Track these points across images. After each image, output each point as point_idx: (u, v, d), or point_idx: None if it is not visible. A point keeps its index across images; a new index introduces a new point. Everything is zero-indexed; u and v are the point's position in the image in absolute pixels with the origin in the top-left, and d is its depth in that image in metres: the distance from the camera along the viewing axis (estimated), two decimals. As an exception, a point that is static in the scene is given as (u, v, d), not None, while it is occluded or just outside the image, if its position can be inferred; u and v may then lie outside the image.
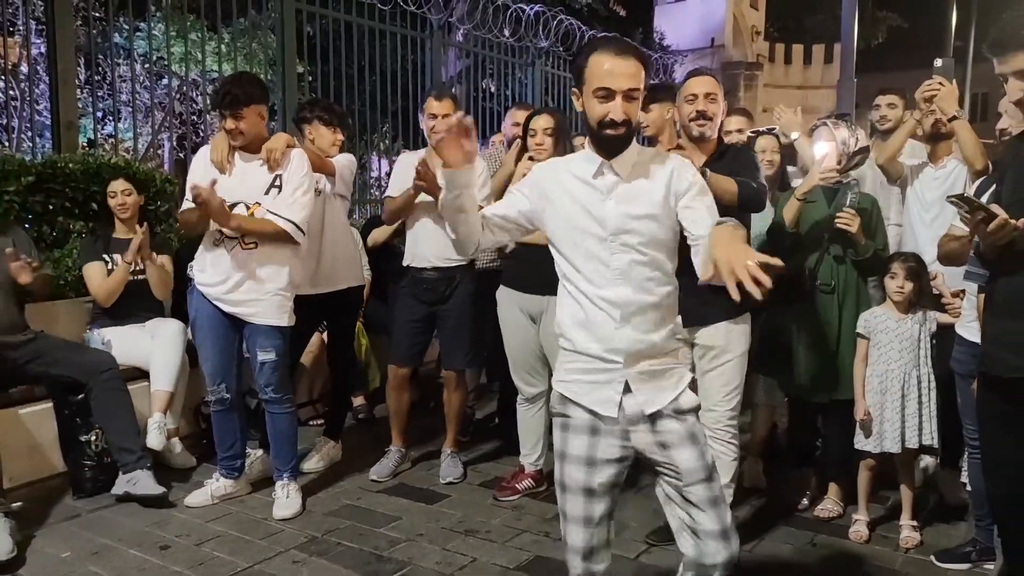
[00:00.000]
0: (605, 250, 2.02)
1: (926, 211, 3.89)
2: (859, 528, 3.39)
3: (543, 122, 3.63)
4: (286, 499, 3.63)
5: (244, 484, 3.83)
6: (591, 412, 2.07)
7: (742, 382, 3.13)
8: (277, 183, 3.51)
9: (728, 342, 3.06)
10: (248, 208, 3.50)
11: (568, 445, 2.11)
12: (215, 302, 3.55)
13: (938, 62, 3.78)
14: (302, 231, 3.53)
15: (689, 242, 2.05)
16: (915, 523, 3.37)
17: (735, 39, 18.26)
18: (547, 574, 3.06)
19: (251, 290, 3.51)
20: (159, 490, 3.62)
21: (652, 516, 3.56)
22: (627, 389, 2.03)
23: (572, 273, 2.08)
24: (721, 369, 3.08)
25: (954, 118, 3.61)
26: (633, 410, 2.04)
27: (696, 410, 2.12)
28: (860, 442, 3.37)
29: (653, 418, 2.05)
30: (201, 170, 3.57)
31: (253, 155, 3.56)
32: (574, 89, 2.08)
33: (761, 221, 3.54)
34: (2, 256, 3.56)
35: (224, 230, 3.49)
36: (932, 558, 3.18)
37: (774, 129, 4.37)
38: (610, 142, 2.03)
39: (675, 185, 2.05)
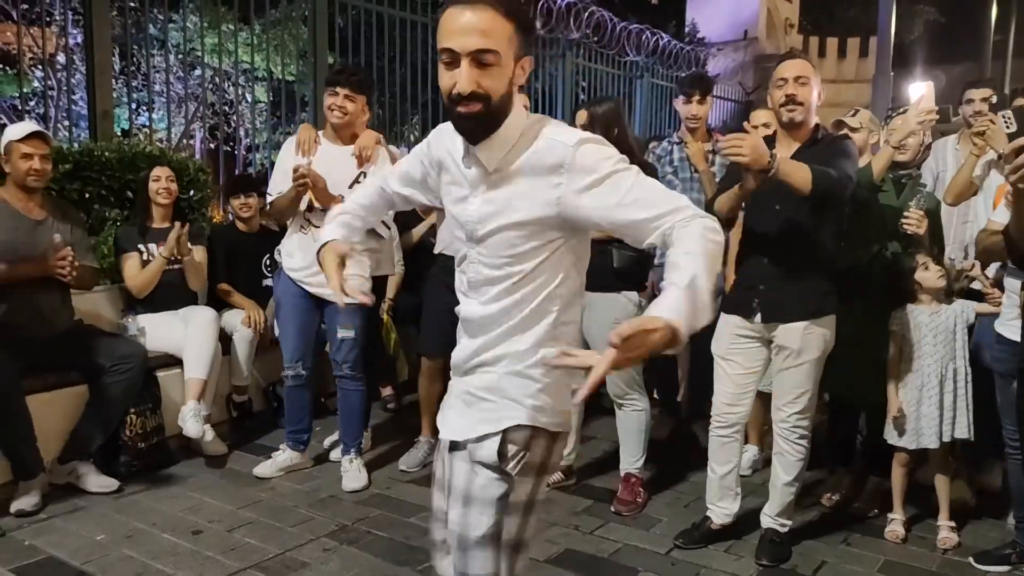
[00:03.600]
0: (463, 255, 1.70)
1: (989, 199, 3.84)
2: (895, 528, 3.34)
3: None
4: (357, 472, 3.80)
5: (308, 458, 4.01)
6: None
7: (814, 385, 3.05)
8: (361, 179, 3.63)
9: (804, 345, 2.97)
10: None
11: (435, 464, 1.89)
12: (301, 284, 3.73)
13: (993, 99, 3.92)
14: (387, 226, 3.82)
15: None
16: (953, 523, 3.31)
17: (768, 32, 18.01)
18: (577, 567, 3.04)
19: None
20: (112, 484, 3.64)
21: (682, 513, 3.54)
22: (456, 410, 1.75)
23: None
24: (793, 371, 3.01)
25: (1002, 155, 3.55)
26: (443, 435, 1.77)
27: (496, 470, 1.64)
28: (893, 438, 3.31)
29: (452, 451, 1.73)
30: (290, 159, 3.69)
31: (342, 146, 3.67)
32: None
33: None
34: (51, 247, 3.62)
35: (310, 217, 3.66)
36: (971, 560, 3.12)
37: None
38: (462, 122, 1.53)
39: (568, 183, 1.52)
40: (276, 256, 3.86)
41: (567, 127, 1.61)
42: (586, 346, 3.59)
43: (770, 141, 3.08)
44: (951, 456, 3.41)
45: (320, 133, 3.78)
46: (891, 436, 3.32)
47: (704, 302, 1.38)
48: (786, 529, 3.18)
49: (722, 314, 3.19)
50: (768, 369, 3.15)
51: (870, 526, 3.44)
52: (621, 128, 3.44)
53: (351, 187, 3.55)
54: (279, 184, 3.74)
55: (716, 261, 1.44)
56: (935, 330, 3.25)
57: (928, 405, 3.22)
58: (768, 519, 3.18)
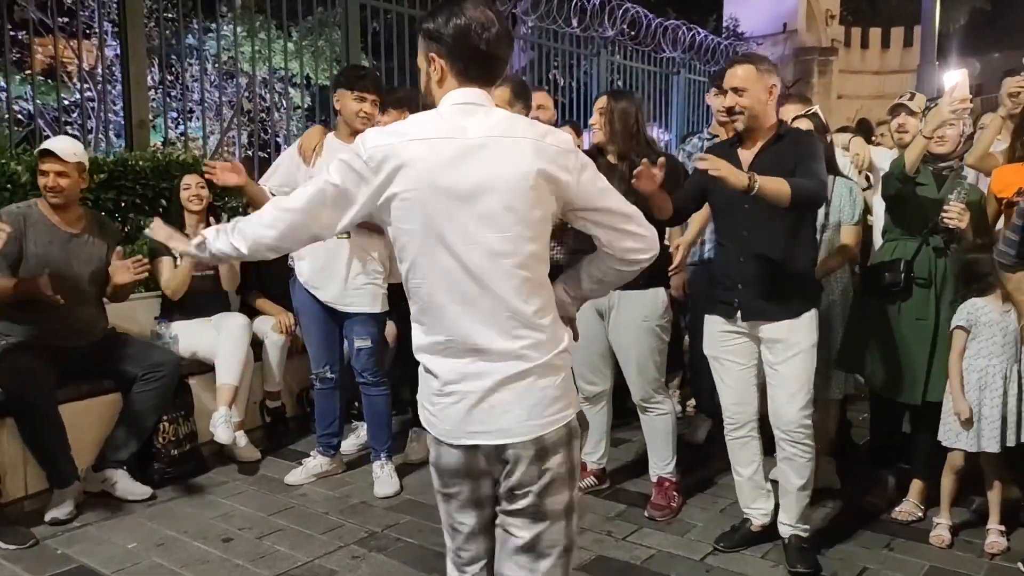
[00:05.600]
0: None
1: None
2: (941, 532, 3.21)
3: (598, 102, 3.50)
4: (389, 478, 3.77)
5: (340, 462, 4.01)
6: None
7: (811, 378, 2.97)
8: None
9: (791, 334, 2.91)
10: None
11: None
12: (312, 292, 3.72)
13: None
14: None
15: None
16: (1003, 528, 3.17)
17: (809, 24, 17.69)
18: (610, 574, 2.98)
19: (344, 280, 3.64)
20: (146, 492, 3.66)
21: (718, 517, 3.46)
22: None
23: None
24: (788, 364, 2.94)
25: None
26: None
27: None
28: (950, 440, 3.16)
29: None
30: (291, 162, 3.74)
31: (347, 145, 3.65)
32: None
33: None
34: (88, 260, 3.68)
35: None
36: (1020, 565, 2.99)
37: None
38: None
39: None
40: (290, 262, 3.84)
41: (405, 121, 1.82)
42: (610, 350, 3.54)
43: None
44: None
45: (332, 134, 3.74)
46: (947, 438, 3.18)
47: None
48: (808, 532, 3.07)
49: (706, 315, 3.14)
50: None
51: (914, 530, 3.32)
52: (639, 123, 3.40)
53: None
54: (268, 179, 3.81)
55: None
56: (1004, 329, 3.09)
57: (990, 407, 3.07)
58: (787, 528, 3.06)
